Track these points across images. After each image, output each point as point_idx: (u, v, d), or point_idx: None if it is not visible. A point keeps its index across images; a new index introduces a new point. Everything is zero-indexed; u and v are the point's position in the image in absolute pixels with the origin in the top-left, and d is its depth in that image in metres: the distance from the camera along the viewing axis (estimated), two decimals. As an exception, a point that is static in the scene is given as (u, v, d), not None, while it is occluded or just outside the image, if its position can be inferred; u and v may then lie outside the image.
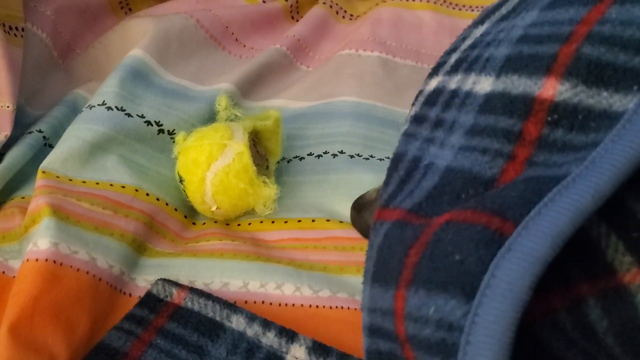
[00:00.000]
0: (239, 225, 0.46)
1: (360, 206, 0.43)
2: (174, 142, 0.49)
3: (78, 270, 0.37)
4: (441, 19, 0.75)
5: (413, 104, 0.31)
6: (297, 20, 0.73)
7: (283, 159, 0.53)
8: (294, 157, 0.53)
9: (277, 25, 0.71)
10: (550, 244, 0.18)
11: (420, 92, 0.31)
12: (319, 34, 0.71)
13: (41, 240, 0.37)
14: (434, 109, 0.28)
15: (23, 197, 0.46)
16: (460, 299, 0.20)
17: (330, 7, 0.75)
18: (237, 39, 0.67)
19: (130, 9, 0.70)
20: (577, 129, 0.22)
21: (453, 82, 0.28)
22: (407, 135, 0.29)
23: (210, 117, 0.53)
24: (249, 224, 0.46)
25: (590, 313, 0.20)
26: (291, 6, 0.74)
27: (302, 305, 0.39)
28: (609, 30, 0.23)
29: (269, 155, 0.50)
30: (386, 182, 0.29)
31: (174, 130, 0.51)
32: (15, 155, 0.48)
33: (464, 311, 0.20)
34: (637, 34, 0.22)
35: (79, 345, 0.35)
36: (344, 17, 0.76)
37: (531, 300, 0.18)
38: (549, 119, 0.23)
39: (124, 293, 0.39)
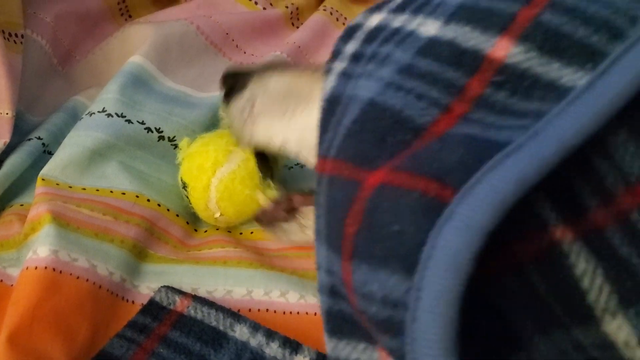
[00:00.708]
0: (241, 234, 0.46)
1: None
2: (174, 148, 0.49)
3: (78, 277, 0.37)
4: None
5: (349, 39, 0.29)
6: (297, 27, 0.73)
7: (284, 166, 0.53)
8: (295, 164, 0.52)
9: (277, 32, 0.71)
10: (492, 212, 0.17)
11: (358, 26, 0.29)
12: (318, 41, 0.71)
13: (41, 248, 0.37)
14: (373, 45, 0.27)
15: (22, 205, 0.46)
16: (401, 274, 0.19)
17: (330, 13, 0.75)
18: (237, 46, 0.67)
19: (130, 16, 0.70)
20: (521, 94, 0.21)
21: (397, 21, 0.27)
22: (345, 75, 0.27)
23: (211, 124, 0.53)
24: (251, 232, 0.46)
25: (531, 276, 0.19)
26: (291, 13, 0.74)
27: (306, 313, 0.38)
28: (573, 1, 0.22)
29: (273, 162, 0.49)
30: (324, 127, 0.27)
31: (174, 136, 0.50)
32: (14, 162, 0.47)
33: (406, 287, 0.19)
34: (601, 12, 0.22)
35: (79, 353, 0.35)
36: (343, 23, 0.76)
37: (477, 266, 0.17)
38: (495, 79, 0.22)
39: (126, 300, 0.39)
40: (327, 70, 0.29)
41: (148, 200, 0.45)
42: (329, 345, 0.25)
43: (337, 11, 0.76)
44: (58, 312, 0.35)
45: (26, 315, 0.34)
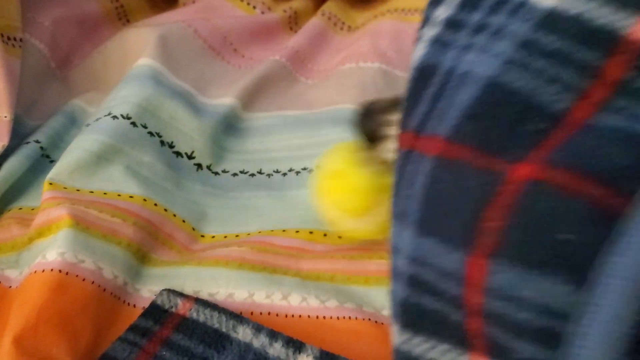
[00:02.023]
0: (248, 234, 0.46)
1: (368, 112, 0.39)
2: (176, 156, 0.50)
3: (84, 279, 0.37)
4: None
5: (438, 3, 0.26)
6: (295, 31, 0.74)
7: (291, 169, 0.53)
8: (302, 169, 0.53)
9: (275, 36, 0.72)
10: None
11: None
12: (317, 46, 0.72)
13: (50, 252, 0.37)
14: (476, 13, 0.24)
15: (20, 208, 0.46)
16: (569, 286, 0.18)
17: (329, 18, 0.76)
18: (235, 50, 0.67)
19: (128, 20, 0.70)
20: None
21: None
22: (440, 43, 0.25)
23: (211, 133, 0.54)
24: (259, 231, 0.46)
25: None
26: (289, 17, 0.75)
27: (308, 316, 0.39)
28: None
29: None
30: (413, 100, 0.25)
31: (172, 142, 0.51)
32: (12, 165, 0.48)
33: (574, 299, 0.18)
34: None
35: (83, 356, 0.35)
36: (341, 28, 0.77)
37: None
38: (638, 63, 0.20)
39: (128, 304, 0.39)
40: (417, 38, 0.26)
41: (155, 204, 0.45)
42: (399, 337, 0.24)
43: (335, 16, 0.77)
44: (63, 314, 0.35)
45: (32, 317, 0.34)
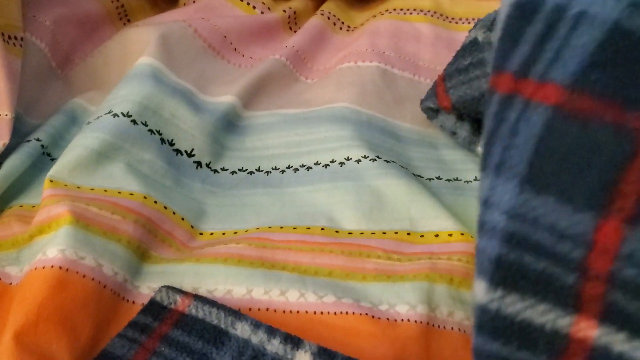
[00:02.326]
0: (246, 231, 0.47)
1: None
2: (176, 154, 0.50)
3: (84, 276, 0.37)
4: (438, 31, 0.76)
5: None
6: (295, 31, 0.74)
7: (289, 166, 0.53)
8: (300, 166, 0.53)
9: (275, 36, 0.72)
10: None
11: None
12: (316, 45, 0.72)
13: (51, 249, 0.37)
14: None
15: (21, 206, 0.47)
16: None
17: (328, 18, 0.76)
18: (235, 49, 0.67)
19: (128, 20, 0.71)
20: None
21: None
22: None
23: (211, 131, 0.54)
24: (257, 228, 0.47)
25: None
26: (289, 17, 0.75)
27: (306, 312, 0.39)
28: None
29: None
30: (513, 39, 0.22)
31: (172, 140, 0.51)
32: (13, 163, 0.48)
33: None
34: None
35: (83, 352, 0.35)
36: (341, 28, 0.78)
37: None
38: None
39: (127, 300, 0.39)
40: None
41: (155, 202, 0.45)
42: (487, 294, 0.22)
43: (334, 16, 0.77)
44: (63, 310, 0.35)
45: (32, 313, 0.34)
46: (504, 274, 0.22)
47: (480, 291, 0.23)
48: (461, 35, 0.73)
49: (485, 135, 0.23)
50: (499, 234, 0.22)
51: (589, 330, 0.20)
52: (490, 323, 0.22)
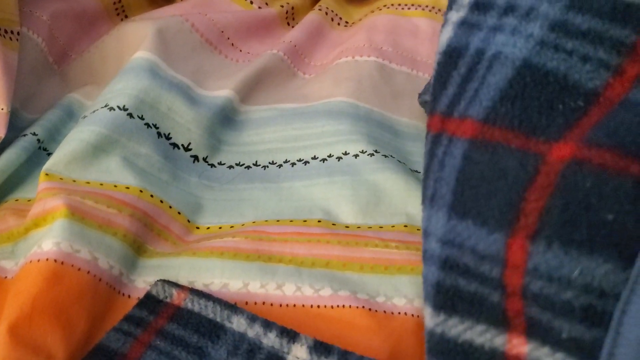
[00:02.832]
0: (243, 225, 0.46)
1: None
2: (173, 148, 0.50)
3: (79, 269, 0.37)
4: (436, 26, 0.76)
5: None
6: (293, 27, 0.74)
7: (287, 161, 0.53)
8: (297, 161, 0.53)
9: (273, 31, 0.72)
10: None
11: None
12: (314, 40, 0.72)
13: (46, 242, 0.37)
14: None
15: (17, 200, 0.46)
16: (616, 264, 0.18)
17: (326, 13, 0.76)
18: (233, 44, 0.67)
19: (126, 16, 0.70)
20: None
21: None
22: (467, 25, 0.25)
23: (208, 125, 0.54)
24: (253, 222, 0.46)
25: None
26: (287, 12, 0.75)
27: (303, 305, 0.39)
28: None
29: None
30: (442, 82, 0.25)
31: (169, 134, 0.51)
32: (8, 157, 0.48)
33: (621, 278, 0.18)
34: None
35: (77, 346, 0.35)
36: (339, 23, 0.77)
37: None
38: None
39: (123, 294, 0.39)
40: (443, 23, 0.27)
41: (151, 196, 0.45)
42: (432, 319, 0.24)
43: (332, 11, 0.77)
44: (58, 303, 0.35)
45: (26, 306, 0.34)
46: (443, 298, 0.24)
47: (427, 317, 0.24)
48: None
49: (423, 171, 0.25)
50: (436, 260, 0.24)
51: (521, 346, 0.21)
52: (436, 347, 0.24)
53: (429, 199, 0.24)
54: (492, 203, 0.21)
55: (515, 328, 0.22)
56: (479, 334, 0.23)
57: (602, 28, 0.21)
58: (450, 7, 0.27)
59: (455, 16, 0.26)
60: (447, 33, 0.26)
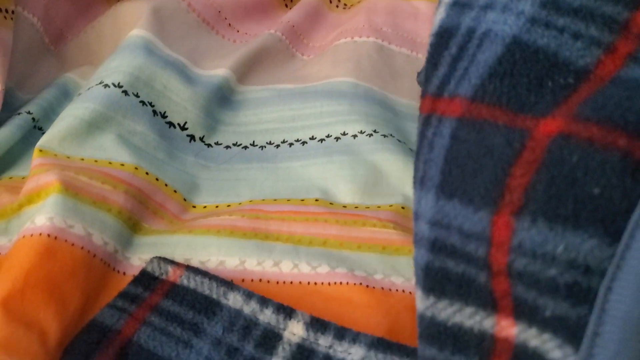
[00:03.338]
0: (239, 204, 0.46)
1: None
2: (169, 127, 0.49)
3: (73, 244, 0.36)
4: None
5: None
6: (290, 8, 0.73)
7: (284, 141, 0.53)
8: (295, 141, 0.52)
9: (270, 12, 0.71)
10: None
11: None
12: (312, 22, 0.71)
13: (39, 217, 0.37)
14: None
15: (11, 177, 0.46)
16: (602, 239, 0.17)
17: (325, -5, 0.75)
18: (230, 24, 0.66)
19: (123, -4, 0.69)
20: None
21: None
22: (459, 5, 0.25)
23: (204, 104, 0.53)
24: (250, 200, 0.46)
25: None
26: (285, -7, 0.74)
27: (300, 282, 0.38)
28: None
29: None
30: (434, 63, 0.24)
31: (165, 112, 0.51)
32: (3, 135, 0.47)
33: (607, 254, 0.17)
34: None
35: (71, 322, 0.35)
36: (337, 5, 0.77)
37: None
38: None
39: (118, 271, 0.39)
40: (437, 5, 0.26)
41: (147, 173, 0.45)
42: (422, 303, 0.24)
43: (331, -7, 0.77)
44: (51, 278, 0.35)
45: (19, 281, 0.34)
46: (432, 281, 0.23)
47: (417, 300, 0.24)
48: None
49: (415, 152, 0.25)
50: (425, 242, 0.23)
51: (510, 328, 0.21)
52: (427, 330, 0.23)
53: (419, 181, 0.24)
54: (478, 181, 0.21)
55: (503, 309, 0.21)
56: (468, 317, 0.22)
57: (594, 5, 0.21)
58: None
59: None
60: (440, 14, 0.26)
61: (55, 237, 0.36)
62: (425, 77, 0.25)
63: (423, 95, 0.25)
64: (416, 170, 0.24)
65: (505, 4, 0.23)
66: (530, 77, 0.21)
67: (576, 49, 0.21)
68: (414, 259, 0.25)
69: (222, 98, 0.56)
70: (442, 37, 0.24)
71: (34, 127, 0.51)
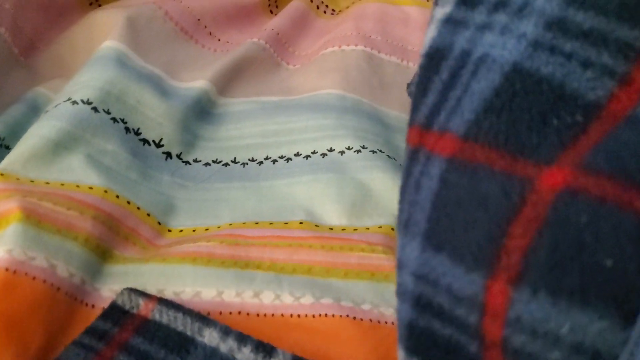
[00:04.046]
0: (218, 227, 0.44)
1: None
2: (143, 144, 0.47)
3: (34, 278, 0.34)
4: (428, 14, 0.73)
5: None
6: (276, 14, 0.71)
7: (267, 157, 0.51)
8: (279, 157, 0.50)
9: (254, 19, 0.69)
10: None
11: None
12: (298, 29, 0.69)
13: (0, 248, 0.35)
14: None
15: None
16: (614, 321, 0.15)
17: (311, 1, 0.74)
18: (210, 33, 0.64)
19: (99, 5, 0.67)
20: None
21: None
22: (452, 22, 0.22)
23: (181, 119, 0.51)
24: (230, 224, 0.44)
25: None
26: (269, -1, 0.72)
27: (282, 314, 0.36)
28: None
29: None
30: (422, 89, 0.22)
31: (139, 129, 0.48)
32: (-33, 156, 0.45)
33: (620, 338, 0.15)
34: None
35: (33, 363, 0.32)
36: (325, 11, 0.75)
37: None
38: None
39: (86, 304, 0.37)
40: (429, 21, 0.24)
41: (117, 196, 0.42)
42: None
43: (317, -2, 0.75)
44: (10, 316, 0.33)
45: (-27, 320, 0.31)
46: (416, 342, 0.21)
47: (400, 359, 0.22)
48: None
49: (399, 191, 0.22)
50: (409, 297, 0.21)
51: None
52: None
53: (403, 225, 0.21)
54: (470, 236, 0.18)
55: None
56: None
57: (608, 28, 0.18)
58: (436, 2, 0.24)
59: (440, 12, 0.23)
60: (431, 32, 0.23)
61: (15, 271, 0.34)
62: (413, 104, 0.23)
63: (410, 125, 0.22)
64: (401, 211, 0.22)
65: (505, 24, 0.20)
66: (532, 113, 0.18)
67: (586, 79, 0.18)
68: (397, 312, 0.22)
69: (201, 112, 0.54)
70: (433, 59, 0.22)
71: (1, 145, 0.48)
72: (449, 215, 0.19)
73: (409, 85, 0.56)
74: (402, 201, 0.22)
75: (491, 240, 0.18)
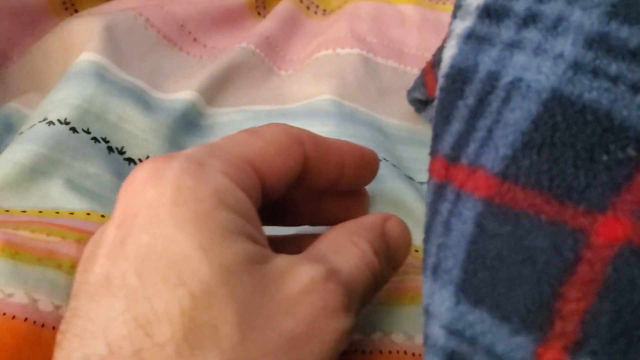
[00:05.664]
0: None
1: None
2: (127, 162, 0.46)
3: (14, 317, 0.33)
4: (425, 13, 0.72)
5: None
6: (264, 17, 0.70)
7: None
8: None
9: (241, 23, 0.68)
10: None
11: None
12: (289, 31, 0.68)
13: None
14: (520, 0, 0.20)
15: None
16: None
17: (301, 1, 0.72)
18: (195, 39, 0.63)
19: (76, 10, 0.66)
20: None
21: None
22: (475, 39, 0.21)
23: (168, 134, 0.49)
24: None
25: None
26: (257, 1, 0.71)
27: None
28: None
29: None
30: (445, 115, 0.20)
31: (122, 147, 0.47)
32: None
33: None
34: None
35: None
36: (315, 12, 0.74)
37: None
38: None
39: (73, 340, 0.35)
40: (447, 36, 0.22)
41: (102, 216, 0.41)
42: None
43: (308, -1, 0.74)
44: (-12, 365, 0.31)
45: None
46: None
47: None
48: (449, 17, 0.69)
49: (424, 229, 0.21)
50: (440, 351, 0.19)
51: None
52: None
53: (432, 269, 0.20)
54: (516, 294, 0.17)
55: None
56: None
57: None
58: (454, 14, 0.23)
59: (460, 26, 0.22)
60: (451, 49, 0.22)
61: (-10, 313, 0.32)
62: (434, 131, 0.21)
63: (433, 154, 0.21)
64: (427, 253, 0.20)
65: (539, 42, 0.19)
66: (577, 148, 0.17)
67: (636, 106, 0.17)
68: None
69: (189, 124, 0.53)
70: (455, 81, 0.21)
71: (-29, 169, 0.47)
72: (488, 268, 0.18)
73: (409, 92, 0.55)
74: (427, 241, 0.20)
75: (542, 302, 0.16)
